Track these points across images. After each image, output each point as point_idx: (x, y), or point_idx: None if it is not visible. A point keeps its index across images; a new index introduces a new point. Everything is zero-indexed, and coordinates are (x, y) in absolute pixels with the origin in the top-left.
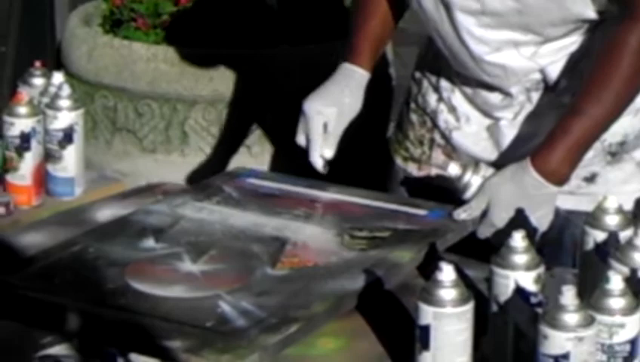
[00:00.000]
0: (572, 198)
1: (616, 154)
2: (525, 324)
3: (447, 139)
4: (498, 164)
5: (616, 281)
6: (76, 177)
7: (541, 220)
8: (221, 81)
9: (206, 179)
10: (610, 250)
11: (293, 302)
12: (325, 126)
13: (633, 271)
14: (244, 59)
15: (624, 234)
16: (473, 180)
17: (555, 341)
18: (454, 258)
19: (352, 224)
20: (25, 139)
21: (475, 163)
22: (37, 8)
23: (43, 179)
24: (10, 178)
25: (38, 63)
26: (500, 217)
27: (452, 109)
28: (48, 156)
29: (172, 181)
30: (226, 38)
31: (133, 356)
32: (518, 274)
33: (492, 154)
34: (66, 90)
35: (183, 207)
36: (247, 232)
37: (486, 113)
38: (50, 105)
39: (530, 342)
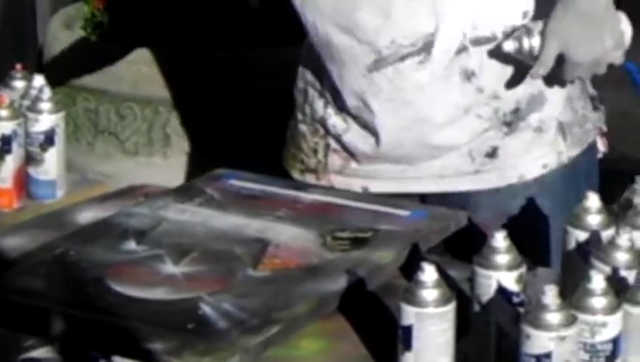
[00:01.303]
0: (479, 177)
1: (511, 123)
2: (507, 324)
3: (341, 143)
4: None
5: (597, 280)
6: (57, 180)
7: (607, 43)
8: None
9: (188, 181)
10: (592, 249)
11: (274, 304)
12: None
13: (615, 270)
14: (225, 61)
15: (606, 234)
16: (533, 42)
17: (538, 340)
18: (436, 258)
19: (334, 225)
20: (6, 141)
21: (524, 28)
22: (18, 12)
23: (24, 182)
24: None
25: (19, 66)
26: (580, 51)
27: (339, 111)
28: (29, 159)
29: (154, 183)
30: (207, 41)
31: (115, 358)
32: (500, 274)
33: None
34: (47, 93)
35: (164, 209)
36: (229, 234)
37: None
38: (31, 107)
39: (513, 342)
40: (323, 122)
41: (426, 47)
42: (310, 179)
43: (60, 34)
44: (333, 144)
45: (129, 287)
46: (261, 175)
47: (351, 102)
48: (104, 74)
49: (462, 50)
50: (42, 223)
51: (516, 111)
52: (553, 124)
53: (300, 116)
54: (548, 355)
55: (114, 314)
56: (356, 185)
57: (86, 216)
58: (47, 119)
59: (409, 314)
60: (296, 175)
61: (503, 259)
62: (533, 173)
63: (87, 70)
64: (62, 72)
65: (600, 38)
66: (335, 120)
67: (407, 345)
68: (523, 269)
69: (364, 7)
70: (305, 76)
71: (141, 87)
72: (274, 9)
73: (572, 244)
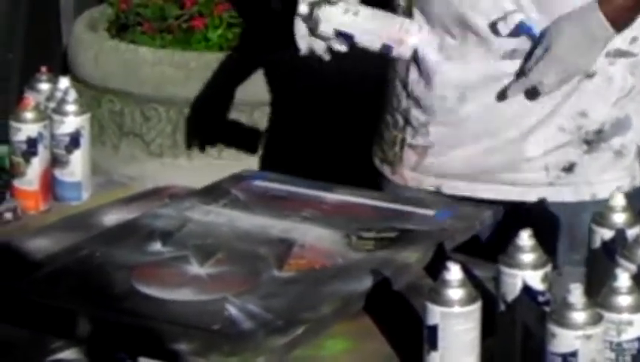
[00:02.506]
0: (552, 189)
1: (592, 142)
2: (533, 323)
3: (420, 136)
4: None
5: (623, 279)
6: (83, 181)
7: (591, 60)
8: (227, 85)
9: (213, 182)
10: (618, 247)
11: (300, 304)
12: None
13: None
14: (249, 62)
15: (631, 232)
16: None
17: (564, 339)
18: (462, 258)
19: (360, 225)
20: (31, 144)
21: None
22: (43, 14)
23: (50, 184)
24: (17, 183)
25: (44, 69)
26: (565, 51)
27: (417, 103)
28: (55, 161)
29: (179, 184)
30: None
31: (141, 359)
32: (526, 273)
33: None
34: (72, 95)
35: (190, 210)
36: (254, 235)
37: None
38: (57, 110)
39: (539, 341)
40: (405, 113)
41: None
42: (386, 170)
43: (84, 36)
44: (409, 139)
45: (155, 288)
46: (286, 175)
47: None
48: (129, 76)
49: None
50: (68, 225)
51: (599, 132)
52: (633, 149)
53: (387, 106)
54: (574, 354)
55: (140, 315)
56: (429, 183)
57: (111, 217)
58: (72, 121)
59: (435, 314)
60: (377, 163)
61: (528, 257)
62: (606, 194)
63: (112, 72)
64: (87, 74)
65: (590, 53)
66: (416, 112)
67: (433, 345)
68: (548, 268)
69: None
70: (394, 65)
71: (166, 89)
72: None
73: (597, 243)
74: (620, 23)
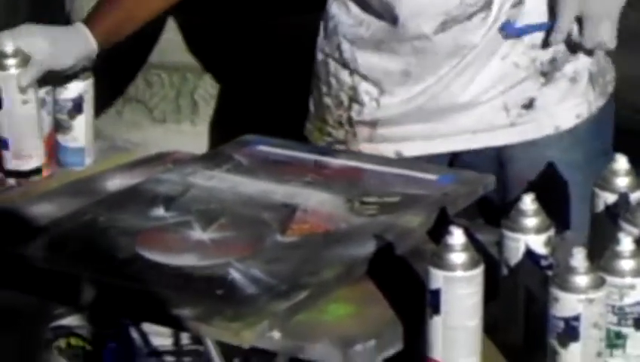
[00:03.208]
0: (515, 130)
1: (548, 73)
2: (536, 287)
3: (370, 110)
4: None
5: (626, 243)
6: (86, 147)
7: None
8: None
9: (216, 147)
10: (621, 211)
11: (303, 269)
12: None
13: None
14: (248, 29)
15: (634, 196)
16: None
17: (566, 303)
18: (464, 222)
19: (362, 190)
20: None
21: None
22: None
23: (53, 150)
24: None
25: None
26: (598, 4)
27: (365, 77)
28: (58, 126)
29: (182, 150)
30: (234, 8)
31: (145, 325)
32: (529, 237)
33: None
34: None
35: (193, 176)
36: (257, 199)
37: None
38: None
39: (541, 305)
40: (353, 91)
41: (487, 5)
42: (340, 148)
43: (85, 2)
44: (355, 116)
45: (158, 254)
46: (288, 140)
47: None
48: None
49: (517, 3)
50: (71, 190)
51: (553, 60)
52: (585, 74)
53: (324, 89)
54: (576, 318)
55: (143, 281)
56: (388, 150)
57: (115, 183)
58: (75, 86)
59: (437, 278)
60: (325, 145)
61: (531, 221)
62: (568, 124)
63: None
64: None
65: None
66: (366, 86)
67: (436, 309)
68: (551, 232)
69: None
70: (323, 49)
71: (169, 55)
72: None
73: (600, 207)
74: None
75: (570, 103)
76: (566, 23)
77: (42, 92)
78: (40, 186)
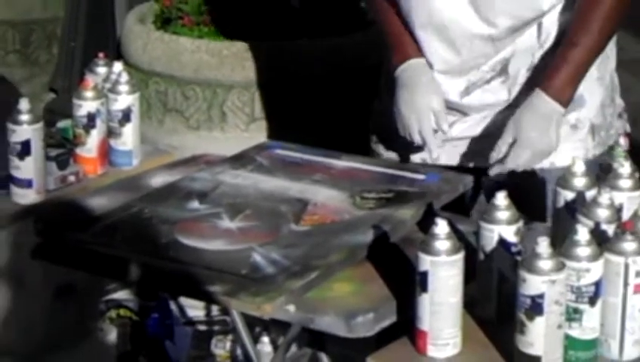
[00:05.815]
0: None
1: None
2: (507, 270)
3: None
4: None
5: (582, 233)
6: (134, 150)
7: (553, 137)
8: (253, 69)
9: (241, 150)
10: (578, 207)
11: (314, 253)
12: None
13: (597, 224)
14: (271, 50)
15: (589, 194)
16: None
17: (532, 283)
18: (448, 215)
19: (362, 187)
20: (91, 118)
21: None
22: (100, 11)
23: (106, 152)
24: (79, 151)
25: (101, 55)
26: (528, 137)
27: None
28: (110, 132)
29: (213, 153)
30: (257, 33)
31: (181, 299)
32: (502, 227)
33: None
34: (125, 77)
35: (222, 174)
36: (276, 194)
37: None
38: (112, 89)
39: (512, 285)
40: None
41: (504, 70)
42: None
43: (134, 28)
44: None
45: (193, 239)
46: (301, 145)
47: None
48: (172, 61)
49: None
50: (121, 186)
51: None
52: (587, 124)
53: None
54: (541, 296)
55: (181, 262)
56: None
57: (157, 180)
58: (124, 99)
59: (425, 262)
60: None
61: (503, 215)
62: (563, 162)
63: (158, 58)
64: (136, 60)
65: (548, 133)
66: None
67: (424, 288)
68: (520, 224)
69: None
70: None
71: (202, 73)
72: (313, 7)
73: (561, 203)
74: (565, 100)
75: (568, 146)
76: (503, 144)
77: (97, 103)
78: (95, 183)
